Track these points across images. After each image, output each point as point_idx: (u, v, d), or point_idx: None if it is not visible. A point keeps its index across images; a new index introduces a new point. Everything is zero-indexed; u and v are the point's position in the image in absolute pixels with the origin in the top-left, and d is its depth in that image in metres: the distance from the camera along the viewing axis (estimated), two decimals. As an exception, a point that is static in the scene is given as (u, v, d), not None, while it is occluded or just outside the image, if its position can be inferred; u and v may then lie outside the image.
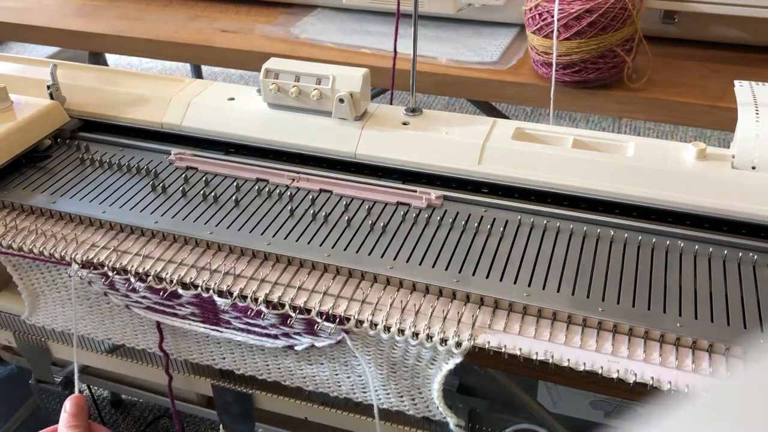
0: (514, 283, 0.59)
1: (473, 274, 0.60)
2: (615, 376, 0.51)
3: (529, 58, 1.05)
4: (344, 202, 0.70)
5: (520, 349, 0.53)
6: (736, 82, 0.74)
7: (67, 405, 0.66)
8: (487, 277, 0.59)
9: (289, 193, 0.71)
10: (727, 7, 1.02)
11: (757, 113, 0.68)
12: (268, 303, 0.59)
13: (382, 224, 0.66)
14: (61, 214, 0.69)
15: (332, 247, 0.63)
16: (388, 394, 0.63)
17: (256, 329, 0.62)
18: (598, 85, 0.99)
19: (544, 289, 0.58)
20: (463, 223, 0.66)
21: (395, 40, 0.80)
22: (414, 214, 0.68)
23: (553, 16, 0.93)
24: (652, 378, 0.51)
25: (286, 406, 0.76)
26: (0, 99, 0.79)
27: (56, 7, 1.37)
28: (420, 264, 0.61)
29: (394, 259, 0.62)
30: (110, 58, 2.00)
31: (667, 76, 1.03)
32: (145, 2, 1.38)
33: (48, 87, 0.81)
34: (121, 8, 1.35)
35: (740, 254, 0.61)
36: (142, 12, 1.34)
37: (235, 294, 0.60)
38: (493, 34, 1.18)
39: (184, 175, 0.74)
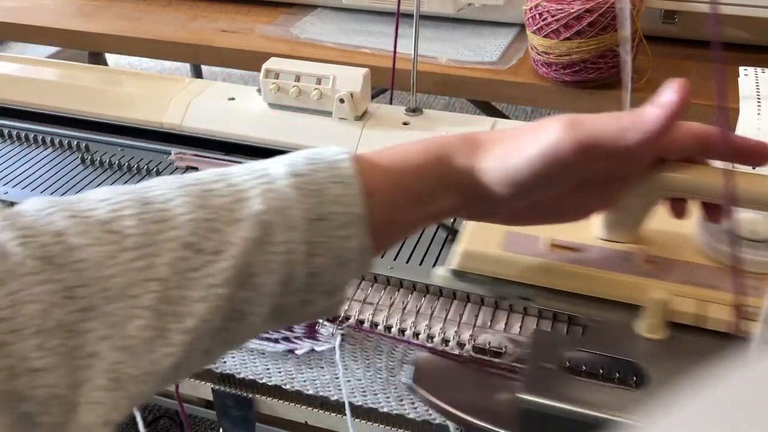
0: (515, 283, 0.58)
1: (474, 275, 0.59)
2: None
3: (529, 58, 1.05)
4: (344, 203, 0.69)
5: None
6: (741, 70, 0.73)
7: None
8: (487, 278, 0.59)
9: (289, 194, 0.71)
10: (727, 7, 1.02)
11: (759, 106, 0.67)
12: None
13: (382, 224, 0.66)
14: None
15: (332, 248, 0.63)
16: (387, 397, 0.63)
17: (257, 330, 0.62)
18: (598, 85, 0.99)
19: (545, 289, 0.58)
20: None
21: (395, 40, 0.80)
22: (414, 215, 0.67)
23: (553, 16, 0.93)
24: (654, 378, 0.51)
25: (287, 409, 0.75)
26: None
27: (56, 7, 1.37)
28: (420, 264, 0.61)
29: (395, 259, 0.62)
30: (110, 58, 1.99)
31: (667, 76, 1.02)
32: (145, 2, 1.38)
33: None
34: (121, 8, 1.35)
35: (741, 254, 0.61)
36: (142, 12, 1.33)
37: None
38: (493, 34, 1.18)
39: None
